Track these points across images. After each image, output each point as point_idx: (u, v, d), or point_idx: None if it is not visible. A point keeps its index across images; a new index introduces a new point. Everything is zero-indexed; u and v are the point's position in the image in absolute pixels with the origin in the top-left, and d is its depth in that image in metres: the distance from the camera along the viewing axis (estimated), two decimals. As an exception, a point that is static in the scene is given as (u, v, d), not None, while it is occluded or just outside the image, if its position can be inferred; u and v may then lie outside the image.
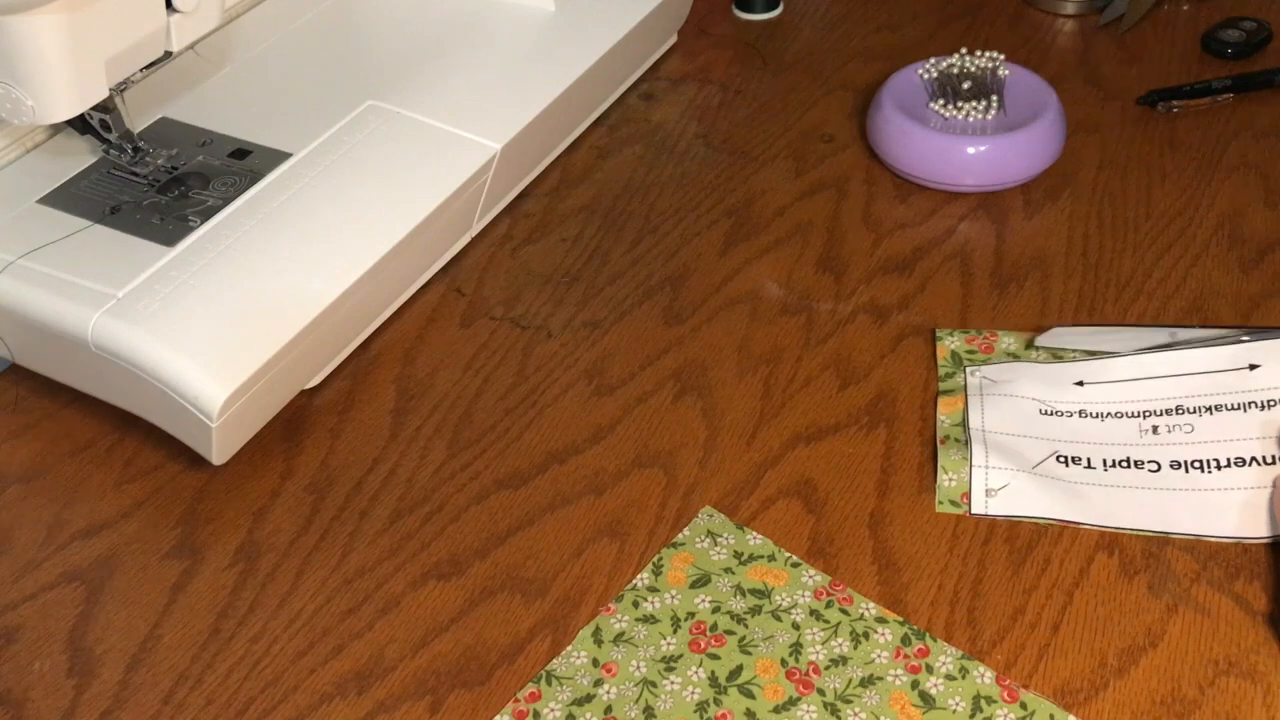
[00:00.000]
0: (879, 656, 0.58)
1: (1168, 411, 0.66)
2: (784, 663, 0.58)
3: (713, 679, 0.58)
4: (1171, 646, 0.58)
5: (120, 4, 0.65)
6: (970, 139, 0.82)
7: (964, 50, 0.88)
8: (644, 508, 0.66)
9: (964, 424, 0.67)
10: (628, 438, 0.70)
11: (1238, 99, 0.91)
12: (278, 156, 0.77)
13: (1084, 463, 0.65)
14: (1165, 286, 0.76)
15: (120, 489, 0.69)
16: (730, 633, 0.59)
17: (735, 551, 0.63)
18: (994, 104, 0.86)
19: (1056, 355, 0.71)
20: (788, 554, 0.63)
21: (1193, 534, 0.62)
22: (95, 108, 0.72)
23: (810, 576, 0.61)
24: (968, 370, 0.71)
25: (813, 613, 0.60)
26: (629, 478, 0.67)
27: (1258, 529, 0.61)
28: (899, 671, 0.57)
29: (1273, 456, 0.63)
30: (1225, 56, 0.95)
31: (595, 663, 0.59)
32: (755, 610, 0.60)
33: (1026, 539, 0.62)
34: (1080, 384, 0.68)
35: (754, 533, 0.64)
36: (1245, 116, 0.90)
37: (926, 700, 0.56)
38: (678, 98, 0.96)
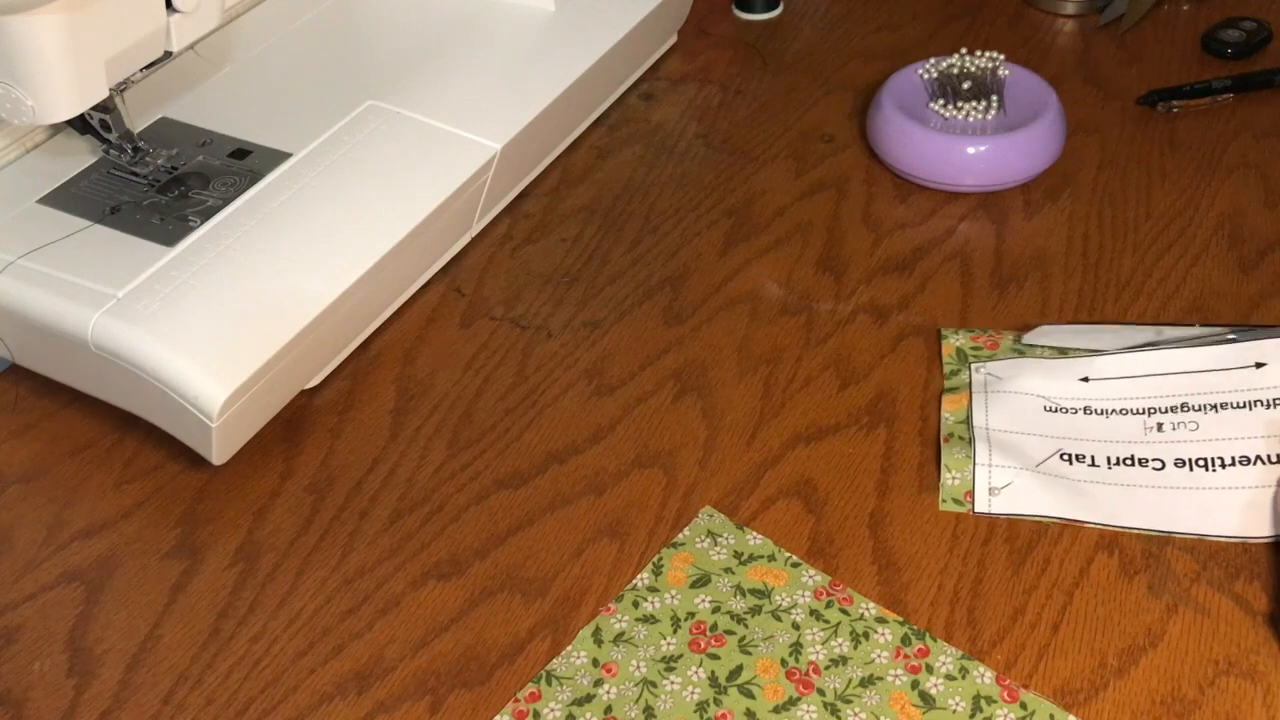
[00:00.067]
0: (879, 656, 0.58)
1: (1173, 409, 0.66)
2: (784, 663, 0.58)
3: (713, 679, 0.58)
4: (1171, 646, 0.58)
5: (120, 4, 0.65)
6: (970, 139, 0.82)
7: (964, 50, 0.88)
8: (644, 508, 0.66)
9: (968, 421, 0.67)
10: (628, 438, 0.70)
11: (1238, 99, 0.91)
12: (278, 156, 0.77)
13: (1088, 460, 0.65)
14: (1165, 286, 0.76)
15: (120, 489, 0.69)
16: (730, 633, 0.59)
17: (735, 551, 0.63)
18: (994, 104, 0.86)
19: (1061, 351, 0.71)
20: (788, 554, 0.63)
21: (1196, 533, 0.62)
22: (95, 108, 0.72)
23: (810, 576, 0.61)
24: (973, 367, 0.71)
25: (813, 613, 0.60)
26: (629, 478, 0.67)
27: (1262, 528, 0.61)
28: (899, 671, 0.57)
29: (1277, 455, 0.63)
30: (1225, 56, 0.95)
31: (595, 663, 0.59)
32: (755, 610, 0.60)
33: (1026, 539, 0.62)
34: (1085, 380, 0.68)
35: (754, 533, 0.64)
36: (1245, 116, 0.89)
37: (926, 700, 0.56)
38: (678, 98, 0.96)
